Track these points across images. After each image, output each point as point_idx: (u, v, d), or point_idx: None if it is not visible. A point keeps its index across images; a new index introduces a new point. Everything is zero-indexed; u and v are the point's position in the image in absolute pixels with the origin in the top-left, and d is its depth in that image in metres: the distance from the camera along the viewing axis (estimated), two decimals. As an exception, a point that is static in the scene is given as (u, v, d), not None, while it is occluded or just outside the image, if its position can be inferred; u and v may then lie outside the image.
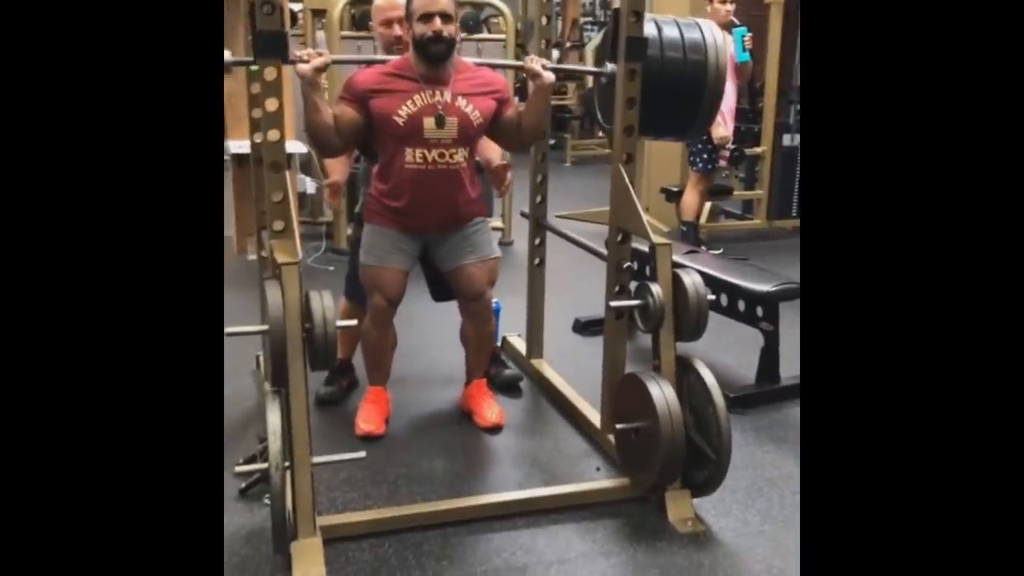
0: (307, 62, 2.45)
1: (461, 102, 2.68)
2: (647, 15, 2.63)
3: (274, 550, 2.15)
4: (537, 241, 3.40)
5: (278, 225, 2.36)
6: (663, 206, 5.78)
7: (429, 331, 3.68)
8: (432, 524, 2.39)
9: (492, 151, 3.10)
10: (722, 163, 5.35)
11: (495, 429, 2.99)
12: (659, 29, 2.75)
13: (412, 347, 3.43)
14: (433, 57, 2.63)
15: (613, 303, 2.58)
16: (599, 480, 2.66)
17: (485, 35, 5.72)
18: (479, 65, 2.85)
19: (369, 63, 2.85)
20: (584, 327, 4.03)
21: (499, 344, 3.74)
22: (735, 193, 6.07)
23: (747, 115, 6.24)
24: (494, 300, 3.68)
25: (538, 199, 3.34)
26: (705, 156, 5.21)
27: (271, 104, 2.34)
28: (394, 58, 2.78)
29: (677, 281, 2.48)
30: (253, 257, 5.06)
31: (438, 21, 2.59)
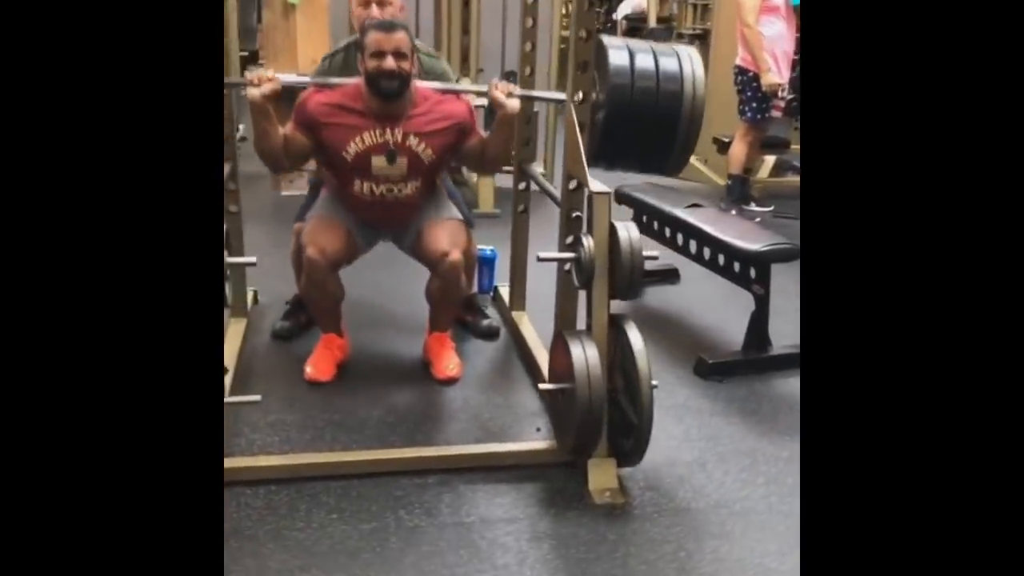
0: (257, 86, 2.42)
1: (412, 141, 2.59)
2: (620, 40, 2.58)
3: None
4: (522, 186, 3.22)
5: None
6: (721, 157, 5.47)
7: (408, 274, 3.53)
8: (337, 475, 2.30)
9: None
10: (776, 113, 4.99)
11: (450, 382, 2.87)
12: (632, 56, 2.58)
13: (388, 289, 3.33)
14: (384, 93, 2.52)
15: (542, 255, 2.41)
16: (528, 441, 2.51)
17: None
18: (443, 91, 2.70)
19: (322, 86, 2.69)
20: (588, 280, 3.84)
21: (490, 294, 3.62)
22: (793, 146, 5.68)
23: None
24: (489, 248, 3.57)
25: (526, 143, 3.17)
26: (755, 105, 4.88)
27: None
28: (349, 81, 2.63)
29: (612, 235, 2.28)
30: (286, 193, 5.08)
31: (390, 59, 2.47)
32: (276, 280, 3.34)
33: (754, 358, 3.03)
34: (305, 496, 2.23)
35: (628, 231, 2.28)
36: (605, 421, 2.29)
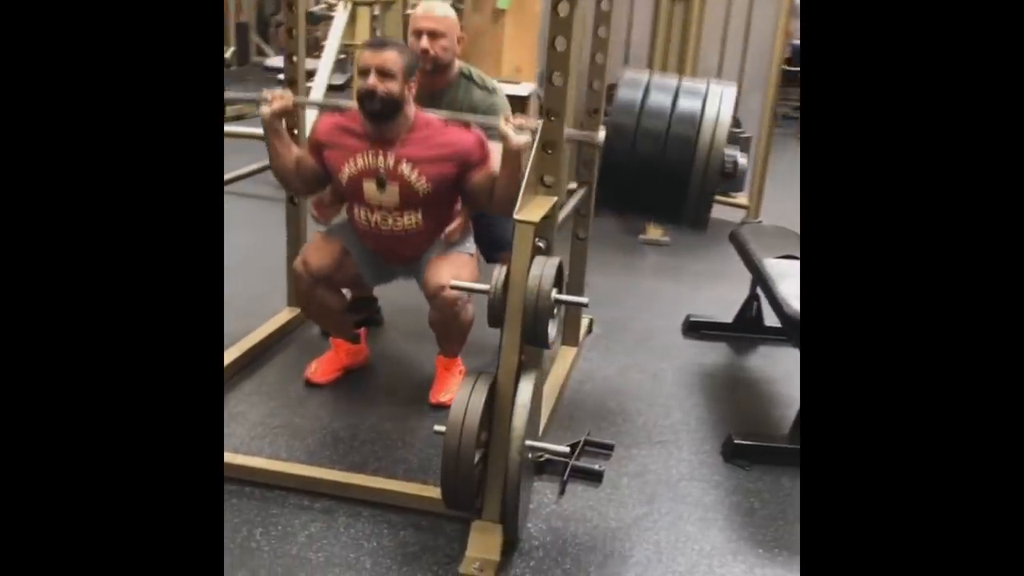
0: (269, 104, 2.45)
1: (405, 168, 2.42)
2: (643, 76, 2.40)
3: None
4: (583, 211, 2.93)
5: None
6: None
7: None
8: (233, 478, 2.21)
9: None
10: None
11: (442, 408, 2.68)
12: (645, 94, 2.27)
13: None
14: (369, 115, 2.40)
15: (454, 282, 2.15)
16: (432, 487, 2.24)
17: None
18: (449, 121, 2.49)
19: (334, 108, 2.67)
20: (693, 328, 3.41)
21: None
22: None
23: None
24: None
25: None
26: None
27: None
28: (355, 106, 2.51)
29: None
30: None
31: (373, 77, 2.34)
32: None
33: (793, 447, 2.48)
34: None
35: (541, 268, 1.97)
36: (497, 479, 2.00)
